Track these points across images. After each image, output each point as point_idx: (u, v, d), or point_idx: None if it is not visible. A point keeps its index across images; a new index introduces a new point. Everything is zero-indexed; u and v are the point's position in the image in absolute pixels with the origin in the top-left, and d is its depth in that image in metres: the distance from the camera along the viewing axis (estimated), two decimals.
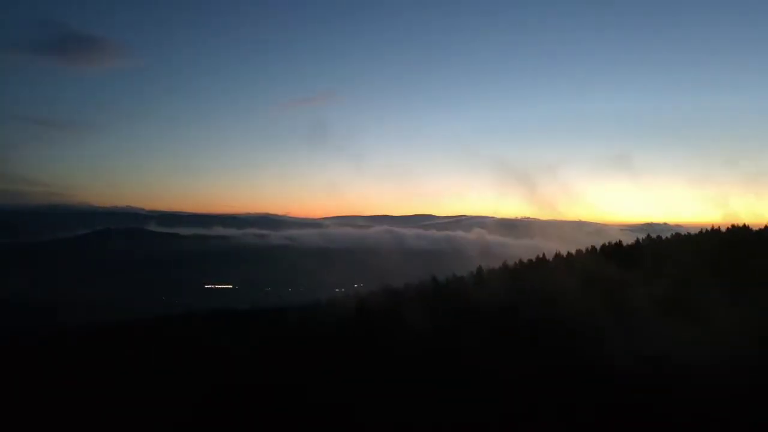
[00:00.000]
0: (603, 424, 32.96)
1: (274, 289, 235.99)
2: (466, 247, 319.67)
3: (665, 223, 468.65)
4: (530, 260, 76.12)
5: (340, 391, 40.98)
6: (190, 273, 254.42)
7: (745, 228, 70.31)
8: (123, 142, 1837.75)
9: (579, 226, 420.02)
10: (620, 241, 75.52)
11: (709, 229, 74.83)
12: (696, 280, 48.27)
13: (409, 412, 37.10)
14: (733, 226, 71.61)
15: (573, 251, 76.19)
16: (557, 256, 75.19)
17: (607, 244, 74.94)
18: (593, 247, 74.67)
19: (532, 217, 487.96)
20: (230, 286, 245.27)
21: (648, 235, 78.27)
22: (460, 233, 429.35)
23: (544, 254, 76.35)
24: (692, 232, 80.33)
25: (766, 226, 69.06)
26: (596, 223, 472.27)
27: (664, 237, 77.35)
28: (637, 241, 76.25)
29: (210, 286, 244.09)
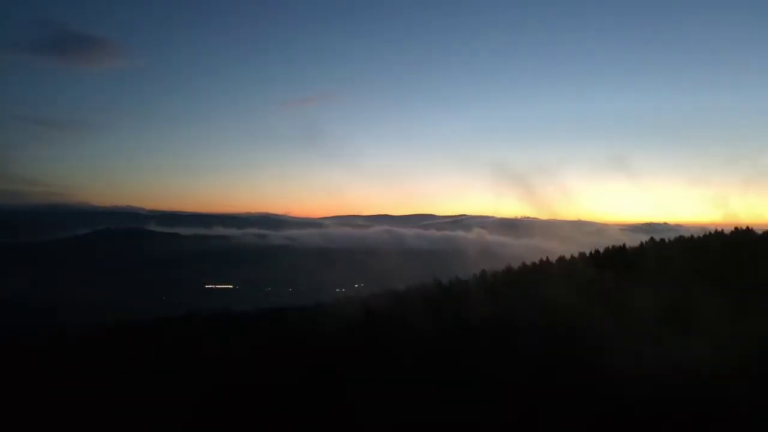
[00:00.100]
0: (603, 425, 32.96)
1: (274, 289, 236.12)
2: (466, 247, 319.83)
3: (665, 223, 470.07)
4: (534, 263, 76.51)
5: (340, 391, 40.96)
6: (191, 273, 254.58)
7: (748, 231, 70.43)
8: (123, 142, 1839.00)
9: (579, 225, 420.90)
10: (624, 245, 75.74)
11: (712, 231, 75.03)
12: (701, 285, 47.99)
13: (409, 412, 37.08)
14: (736, 228, 71.73)
15: (574, 252, 76.49)
16: (560, 259, 75.73)
17: (610, 247, 75.18)
18: (597, 251, 74.83)
19: (532, 216, 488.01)
20: (230, 286, 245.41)
21: (651, 238, 78.31)
22: (460, 233, 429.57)
23: (548, 257, 76.99)
24: (692, 231, 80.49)
25: None
26: (596, 223, 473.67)
27: (666, 239, 77.32)
28: (641, 244, 76.37)
29: (210, 286, 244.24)
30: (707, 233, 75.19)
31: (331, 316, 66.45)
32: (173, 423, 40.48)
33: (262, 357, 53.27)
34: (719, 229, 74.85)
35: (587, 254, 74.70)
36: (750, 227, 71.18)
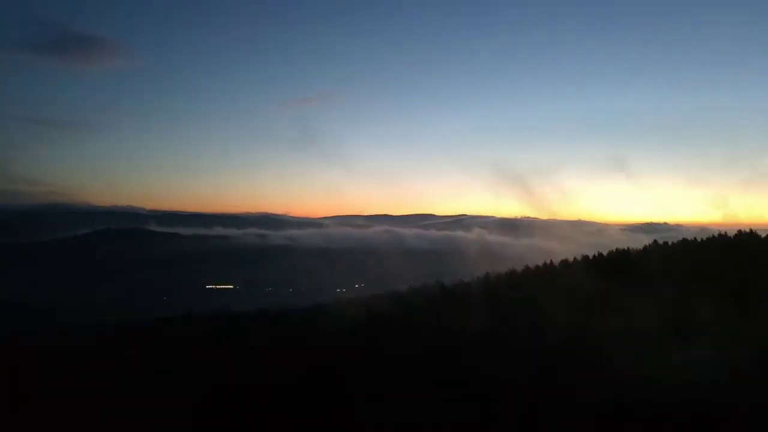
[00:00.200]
0: (603, 425, 32.95)
1: (274, 289, 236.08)
2: (466, 247, 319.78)
3: (665, 223, 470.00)
4: (537, 266, 76.70)
5: (340, 392, 40.96)
6: (191, 273, 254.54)
7: (751, 233, 70.48)
8: (123, 142, 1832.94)
9: (579, 225, 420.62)
10: (627, 248, 75.99)
11: (715, 234, 75.17)
12: (704, 289, 47.97)
13: (409, 412, 37.08)
14: (740, 231, 71.83)
15: (575, 251, 76.93)
16: (563, 262, 76.06)
17: (614, 250, 75.41)
18: (600, 254, 74.99)
19: (532, 216, 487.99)
20: (231, 286, 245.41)
21: (655, 241, 78.58)
22: (460, 233, 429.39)
23: (551, 261, 77.45)
24: (692, 232, 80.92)
25: None
26: (596, 223, 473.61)
27: (669, 242, 77.56)
28: (645, 247, 76.52)
29: (210, 286, 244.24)
30: (710, 236, 75.39)
31: (332, 317, 66.53)
32: (173, 423, 40.47)
33: (262, 357, 53.29)
34: (722, 231, 75.35)
35: (590, 257, 74.92)
36: (753, 230, 71.44)
